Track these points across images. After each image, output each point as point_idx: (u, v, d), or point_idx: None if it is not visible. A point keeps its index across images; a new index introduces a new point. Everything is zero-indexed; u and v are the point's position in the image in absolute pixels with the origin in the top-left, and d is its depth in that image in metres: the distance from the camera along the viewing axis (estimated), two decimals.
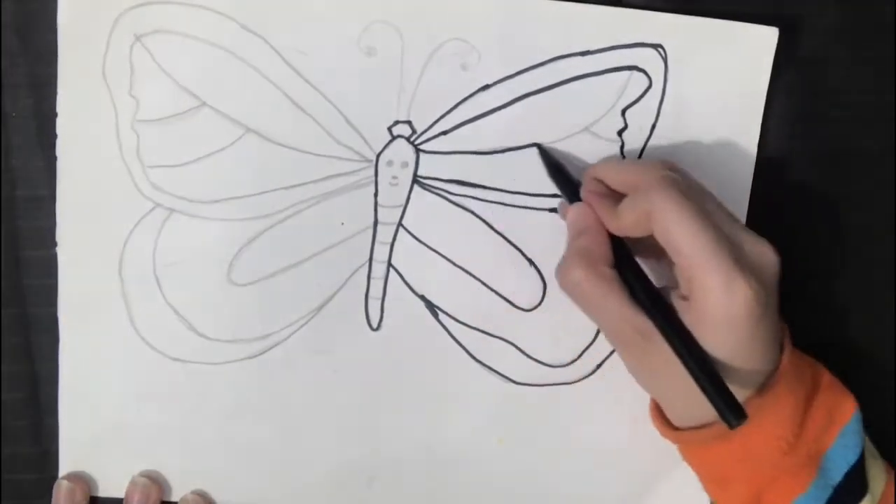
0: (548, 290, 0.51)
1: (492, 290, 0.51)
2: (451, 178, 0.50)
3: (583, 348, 0.52)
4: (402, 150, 0.50)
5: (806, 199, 0.54)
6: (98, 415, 0.50)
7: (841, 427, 0.46)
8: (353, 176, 0.50)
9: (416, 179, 0.50)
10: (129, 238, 0.49)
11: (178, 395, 0.50)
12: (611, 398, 0.52)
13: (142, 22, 0.47)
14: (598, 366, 0.52)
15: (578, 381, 0.52)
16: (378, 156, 0.50)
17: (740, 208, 0.52)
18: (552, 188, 0.50)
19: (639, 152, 0.51)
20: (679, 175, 0.45)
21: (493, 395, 0.52)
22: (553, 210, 0.51)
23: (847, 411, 0.47)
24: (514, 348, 0.52)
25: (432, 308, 0.51)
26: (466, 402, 0.51)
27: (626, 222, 0.44)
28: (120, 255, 0.49)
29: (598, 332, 0.52)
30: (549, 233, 0.51)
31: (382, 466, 0.52)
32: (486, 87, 0.49)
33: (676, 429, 0.47)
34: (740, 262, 0.42)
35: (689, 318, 0.43)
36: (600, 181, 0.47)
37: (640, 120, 0.50)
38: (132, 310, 0.49)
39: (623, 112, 0.50)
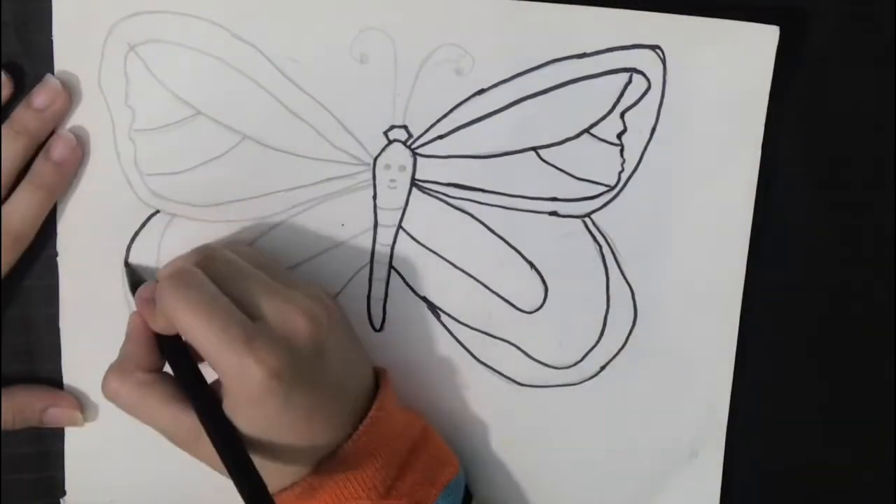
0: (549, 292, 0.51)
1: (493, 292, 0.51)
2: (449, 181, 0.50)
3: (586, 350, 0.52)
4: (399, 153, 0.49)
5: (806, 200, 0.53)
6: (102, 417, 0.50)
7: (442, 487, 0.46)
8: (352, 179, 0.50)
9: (414, 183, 0.50)
10: (131, 245, 0.49)
11: None
12: (615, 400, 0.52)
13: (135, 31, 0.47)
14: (602, 367, 0.52)
15: (582, 382, 0.52)
16: (375, 159, 0.49)
17: (744, 210, 0.51)
18: (551, 191, 0.50)
19: (639, 154, 0.50)
20: (210, 261, 0.44)
21: (497, 397, 0.52)
22: (553, 213, 0.51)
23: (449, 474, 0.47)
24: (517, 350, 0.52)
25: (434, 309, 0.51)
26: (470, 404, 0.52)
27: (160, 324, 0.44)
28: (122, 261, 0.49)
29: (601, 334, 0.52)
30: (549, 236, 0.51)
31: None
32: (482, 91, 0.49)
33: None
34: (256, 339, 0.41)
35: (227, 407, 0.42)
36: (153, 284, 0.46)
37: (639, 122, 0.50)
38: None
39: (622, 115, 0.50)
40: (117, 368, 0.45)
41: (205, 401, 0.43)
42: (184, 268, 0.44)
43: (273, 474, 0.43)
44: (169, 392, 0.44)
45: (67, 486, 0.51)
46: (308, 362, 0.43)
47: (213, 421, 0.42)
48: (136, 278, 0.49)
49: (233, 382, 0.42)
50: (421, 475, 0.46)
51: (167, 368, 0.46)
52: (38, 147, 0.47)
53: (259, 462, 0.42)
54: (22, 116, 0.46)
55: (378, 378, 0.48)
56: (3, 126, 0.46)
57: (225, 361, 0.41)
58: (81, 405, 0.50)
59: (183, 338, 0.44)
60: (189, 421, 0.43)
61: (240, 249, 0.47)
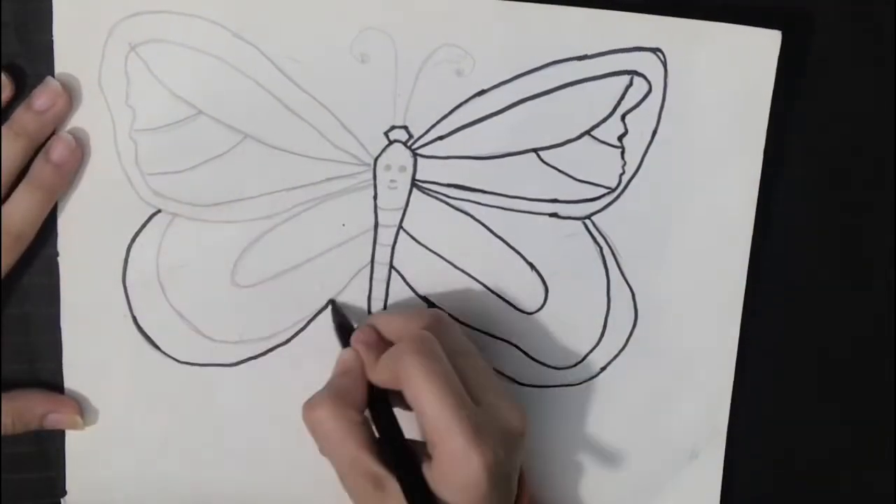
0: (550, 293, 0.51)
1: (493, 292, 0.51)
2: (449, 182, 0.50)
3: (587, 350, 0.52)
4: (400, 154, 0.49)
5: (807, 201, 0.53)
6: (102, 418, 0.50)
7: None
8: (352, 179, 0.50)
9: (414, 183, 0.50)
10: (132, 244, 0.49)
11: (184, 397, 0.50)
12: (615, 400, 0.52)
13: (136, 31, 0.47)
14: (603, 368, 0.52)
15: (582, 383, 0.52)
16: (375, 160, 0.49)
17: (745, 212, 0.51)
18: (552, 193, 0.50)
19: (640, 157, 0.50)
20: (441, 330, 0.45)
21: None
22: (553, 214, 0.51)
23: None
24: (517, 350, 0.52)
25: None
26: None
27: (382, 377, 0.45)
28: (123, 261, 0.49)
29: (602, 335, 0.52)
30: (549, 237, 0.51)
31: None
32: (482, 92, 0.49)
33: None
34: (482, 429, 0.42)
35: (431, 476, 0.43)
36: (375, 329, 0.47)
37: (640, 125, 0.50)
38: (137, 314, 0.50)
39: (623, 117, 0.50)
40: (335, 399, 0.45)
41: (412, 471, 0.43)
42: (427, 337, 0.44)
43: None
44: (367, 439, 0.44)
45: (68, 486, 0.51)
46: (512, 462, 0.44)
47: (413, 484, 0.43)
48: (342, 318, 0.49)
49: (448, 465, 0.42)
50: None
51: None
52: (39, 147, 0.47)
53: None
54: (22, 118, 0.46)
55: (520, 478, 0.47)
56: (3, 127, 0.46)
57: (449, 443, 0.41)
58: (81, 409, 0.50)
59: (410, 403, 0.43)
60: (377, 472, 0.43)
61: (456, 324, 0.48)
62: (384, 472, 0.43)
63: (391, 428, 0.45)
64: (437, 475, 0.42)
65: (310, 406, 0.45)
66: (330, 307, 0.50)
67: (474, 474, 0.41)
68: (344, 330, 0.49)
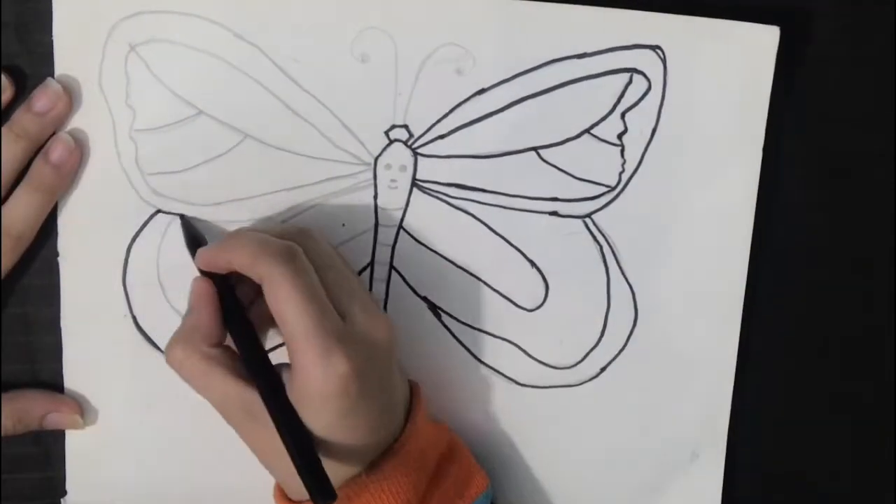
0: (550, 291, 0.51)
1: (494, 290, 0.51)
2: (449, 181, 0.50)
3: (587, 350, 0.52)
4: (400, 153, 0.50)
5: (806, 199, 0.53)
6: (102, 418, 0.50)
7: (471, 501, 0.47)
8: (352, 179, 0.50)
9: (415, 183, 0.50)
10: (132, 244, 0.49)
11: (184, 398, 0.50)
12: (615, 401, 0.52)
13: (136, 31, 0.47)
14: (603, 368, 0.52)
15: (582, 383, 0.52)
16: (376, 159, 0.49)
17: (745, 210, 0.51)
18: (552, 192, 0.50)
19: (640, 155, 0.50)
20: (307, 243, 0.44)
21: (497, 397, 0.52)
22: (553, 213, 0.51)
23: (477, 486, 0.47)
24: (517, 349, 0.52)
25: (435, 309, 0.51)
26: (470, 403, 0.52)
27: (235, 268, 0.44)
28: (123, 261, 0.49)
29: (602, 334, 0.52)
30: (550, 236, 0.51)
31: None
32: (482, 91, 0.49)
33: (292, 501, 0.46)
34: (344, 338, 0.42)
35: (293, 392, 0.42)
36: (219, 250, 0.45)
37: (640, 123, 0.50)
38: (137, 314, 0.50)
39: (623, 115, 0.50)
40: (185, 339, 0.44)
41: (272, 384, 0.42)
42: (295, 248, 0.43)
43: None
44: (231, 367, 0.44)
45: (68, 486, 0.51)
46: (379, 371, 0.44)
47: (279, 405, 0.42)
48: (194, 233, 0.48)
49: (311, 374, 0.41)
50: (450, 489, 0.46)
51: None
52: (39, 148, 0.47)
53: None
54: (22, 119, 0.46)
55: (412, 391, 0.48)
56: (3, 128, 0.46)
57: (311, 352, 0.41)
58: (81, 408, 0.50)
59: (272, 312, 0.43)
60: (248, 399, 0.43)
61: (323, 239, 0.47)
62: (254, 397, 0.43)
63: (253, 350, 0.44)
64: (298, 390, 0.42)
65: (166, 351, 0.45)
66: (181, 224, 0.49)
67: (335, 381, 0.41)
68: (196, 246, 0.47)
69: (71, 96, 0.47)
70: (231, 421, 0.44)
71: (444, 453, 0.48)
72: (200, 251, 0.46)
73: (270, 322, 0.45)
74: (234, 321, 0.45)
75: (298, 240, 0.44)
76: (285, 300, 0.41)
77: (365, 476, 0.44)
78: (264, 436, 0.43)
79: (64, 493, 0.51)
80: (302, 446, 0.41)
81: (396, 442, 0.45)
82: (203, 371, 0.44)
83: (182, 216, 0.49)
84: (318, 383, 0.41)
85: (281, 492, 0.46)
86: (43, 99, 0.46)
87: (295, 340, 0.42)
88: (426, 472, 0.46)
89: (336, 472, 0.43)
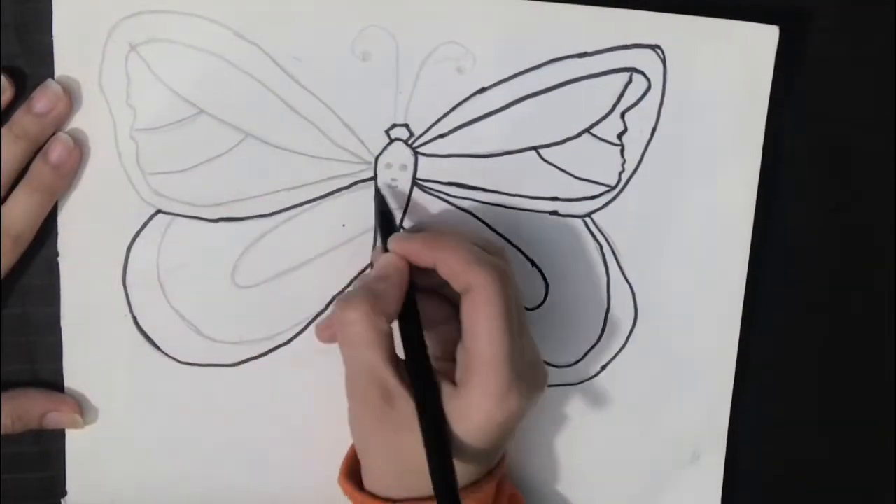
0: (550, 290, 0.51)
1: None
2: (450, 180, 0.50)
3: (587, 349, 0.52)
4: (401, 152, 0.50)
5: (806, 199, 0.53)
6: (102, 418, 0.50)
7: None
8: (353, 177, 0.50)
9: (415, 182, 0.50)
10: (132, 244, 0.49)
11: (185, 398, 0.50)
12: (615, 400, 0.52)
13: (136, 31, 0.47)
14: (603, 367, 0.52)
15: (582, 382, 0.52)
16: (377, 158, 0.49)
17: (745, 210, 0.52)
18: (552, 191, 0.50)
19: (640, 154, 0.51)
20: (507, 267, 0.44)
21: None
22: (553, 213, 0.51)
23: None
24: None
25: None
26: None
27: (437, 268, 0.43)
28: (123, 261, 0.49)
29: (602, 333, 0.52)
30: (550, 235, 0.51)
31: None
32: (483, 90, 0.49)
33: (372, 495, 0.45)
34: (523, 377, 0.42)
35: (453, 404, 0.42)
36: (421, 243, 0.45)
37: (640, 122, 0.50)
38: (137, 314, 0.50)
39: (623, 114, 0.50)
40: (367, 302, 0.42)
41: (430, 390, 0.42)
42: (502, 265, 0.43)
43: (403, 476, 0.43)
44: (389, 350, 0.43)
45: (68, 486, 0.50)
46: (522, 418, 0.43)
47: (434, 415, 0.41)
48: (385, 207, 0.48)
49: (483, 402, 0.41)
50: None
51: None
52: (39, 148, 0.47)
53: (399, 463, 0.42)
54: (22, 120, 0.46)
55: None
56: (3, 129, 0.46)
57: (494, 381, 0.41)
58: (81, 408, 0.49)
59: (463, 321, 0.42)
60: (391, 385, 0.42)
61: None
62: (399, 388, 0.42)
63: (419, 344, 0.43)
64: (462, 406, 0.41)
65: (343, 304, 0.43)
66: (374, 194, 0.48)
67: (504, 417, 0.41)
68: (386, 222, 0.47)
69: (71, 97, 0.47)
70: (362, 399, 0.43)
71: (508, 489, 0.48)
72: (402, 238, 0.45)
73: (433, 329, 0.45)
74: (410, 313, 0.44)
75: (502, 259, 0.44)
76: (488, 318, 0.41)
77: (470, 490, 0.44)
78: (388, 426, 0.42)
79: (64, 493, 0.50)
80: (445, 468, 0.40)
81: (498, 471, 0.45)
82: (368, 342, 0.42)
83: (377, 189, 0.48)
84: (487, 414, 0.41)
85: (353, 480, 0.46)
86: (43, 100, 0.46)
87: (480, 363, 0.41)
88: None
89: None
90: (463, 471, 0.42)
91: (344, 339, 0.43)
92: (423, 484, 0.41)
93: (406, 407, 0.42)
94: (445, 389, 0.42)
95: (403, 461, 0.41)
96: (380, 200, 0.49)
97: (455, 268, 0.42)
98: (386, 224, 0.48)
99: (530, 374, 0.43)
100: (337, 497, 0.52)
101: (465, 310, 0.42)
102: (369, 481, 0.46)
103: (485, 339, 0.41)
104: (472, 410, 0.41)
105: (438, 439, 0.41)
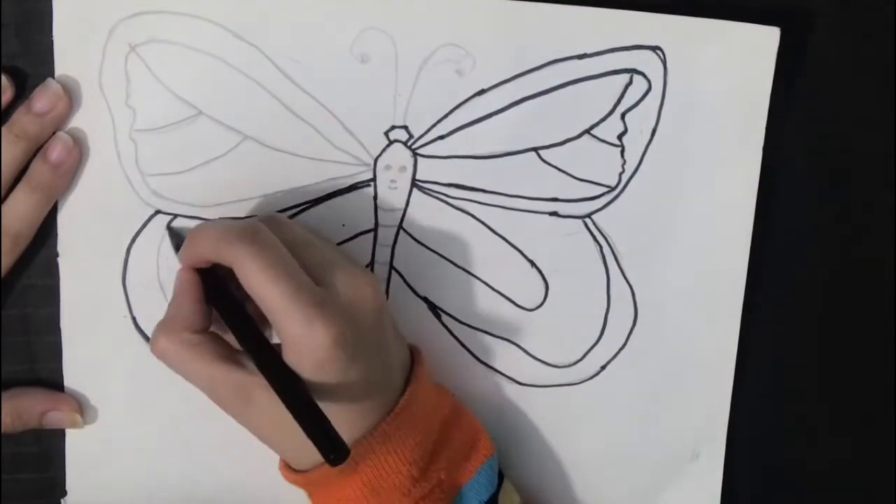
0: (550, 290, 0.51)
1: (494, 290, 0.51)
2: (449, 182, 0.50)
3: (587, 349, 0.52)
4: (400, 154, 0.49)
5: (807, 199, 0.53)
6: (102, 418, 0.50)
7: (479, 466, 0.47)
8: (352, 179, 0.50)
9: (414, 183, 0.50)
10: (132, 245, 0.49)
11: (184, 397, 0.50)
12: (615, 400, 0.53)
13: (136, 31, 0.47)
14: (603, 367, 0.52)
15: (582, 382, 0.52)
16: (376, 160, 0.49)
17: (745, 210, 0.52)
18: (552, 192, 0.50)
19: (640, 155, 0.51)
20: (274, 225, 0.44)
21: (498, 396, 0.52)
22: (553, 213, 0.51)
23: (485, 453, 0.47)
24: (518, 349, 0.52)
25: (435, 310, 0.51)
26: (470, 403, 0.52)
27: (201, 258, 0.44)
28: (123, 261, 0.49)
29: (602, 333, 0.52)
30: (550, 236, 0.51)
31: None
32: (482, 91, 0.49)
33: (296, 472, 0.46)
34: (324, 304, 0.42)
35: (287, 359, 0.42)
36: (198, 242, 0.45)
37: (640, 123, 0.50)
38: (137, 314, 0.50)
39: (623, 115, 0.50)
40: (166, 327, 0.44)
41: (268, 355, 0.42)
42: (257, 226, 0.43)
43: (309, 445, 0.42)
44: (218, 351, 0.44)
45: (68, 487, 0.51)
46: (369, 333, 0.44)
47: (279, 371, 0.42)
48: (179, 239, 0.48)
49: (297, 345, 0.42)
50: (457, 451, 0.46)
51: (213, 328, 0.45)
52: (39, 148, 0.47)
53: (300, 436, 0.41)
54: (22, 120, 0.46)
55: (413, 355, 0.48)
56: (3, 129, 0.46)
57: (293, 324, 0.41)
58: (81, 407, 0.50)
59: (250, 294, 0.42)
60: (239, 379, 0.43)
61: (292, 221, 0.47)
62: (246, 378, 0.43)
63: (239, 321, 0.44)
64: (290, 360, 0.42)
65: (150, 344, 0.45)
66: (168, 232, 0.49)
67: (322, 350, 0.41)
68: (174, 237, 0.48)
69: (71, 97, 0.47)
70: (223, 404, 0.45)
71: (448, 416, 0.48)
72: (180, 251, 0.46)
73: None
74: (221, 301, 0.44)
75: (264, 223, 0.44)
76: (255, 277, 0.41)
77: (370, 438, 0.44)
78: (259, 413, 0.43)
79: (64, 493, 0.51)
80: (308, 409, 0.41)
81: (398, 405, 0.45)
82: (188, 357, 0.44)
83: (169, 226, 0.49)
84: (306, 352, 0.41)
85: (286, 466, 0.46)
86: (43, 99, 0.46)
87: (276, 315, 0.42)
88: (431, 433, 0.46)
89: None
90: (353, 416, 0.43)
91: (173, 369, 0.45)
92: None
93: (263, 392, 0.42)
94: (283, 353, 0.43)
95: (292, 435, 0.41)
96: (173, 236, 0.49)
97: (211, 251, 0.43)
98: (175, 240, 0.48)
99: (342, 298, 0.43)
100: None
101: (241, 282, 0.43)
102: (291, 463, 0.46)
103: (263, 295, 0.41)
104: (297, 358, 0.42)
105: (291, 390, 0.41)
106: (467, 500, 0.46)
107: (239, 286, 0.43)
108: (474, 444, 0.48)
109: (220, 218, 0.48)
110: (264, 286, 0.41)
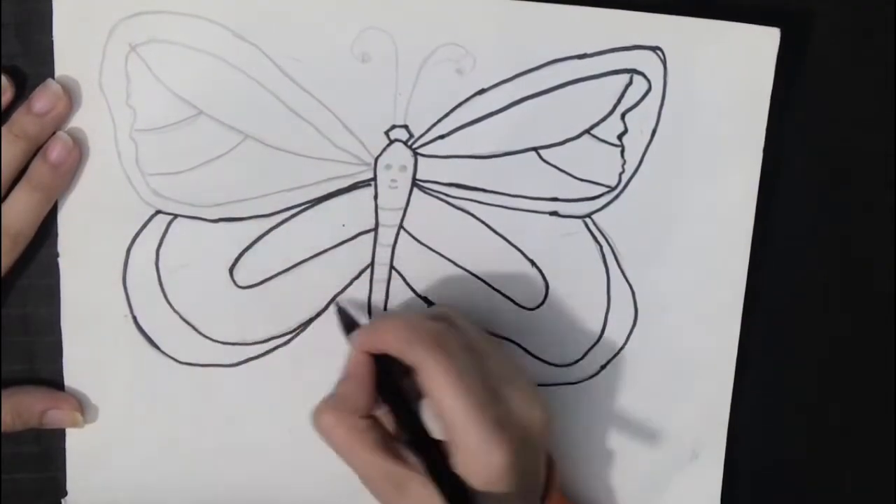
0: (550, 289, 0.51)
1: (494, 289, 0.51)
2: (450, 181, 0.50)
3: (587, 348, 0.52)
4: (400, 153, 0.50)
5: (807, 200, 0.53)
6: (102, 418, 0.50)
7: None
8: (353, 178, 0.50)
9: (415, 183, 0.50)
10: (132, 245, 0.49)
11: (184, 397, 0.50)
12: (615, 399, 0.53)
13: (136, 31, 0.47)
14: (603, 366, 0.53)
15: (582, 381, 0.52)
16: (376, 159, 0.49)
17: (745, 211, 0.52)
18: (552, 192, 0.50)
19: (640, 155, 0.51)
20: (457, 327, 0.45)
21: None
22: (553, 213, 0.51)
23: None
24: (518, 347, 0.52)
25: None
26: None
27: (387, 352, 0.44)
28: (123, 261, 0.49)
29: (602, 333, 0.52)
30: (550, 235, 0.51)
31: None
32: (482, 91, 0.49)
33: None
34: (501, 423, 0.42)
35: (455, 462, 0.43)
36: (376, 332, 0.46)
37: (640, 123, 0.50)
38: (137, 314, 0.50)
39: (623, 116, 0.50)
40: (335, 406, 0.45)
41: (434, 453, 0.43)
42: (441, 329, 0.44)
43: None
44: (379, 439, 0.45)
45: (69, 487, 0.51)
46: (535, 451, 0.44)
47: (445, 472, 0.42)
48: (348, 318, 0.49)
49: (471, 459, 0.42)
50: None
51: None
52: (38, 148, 0.47)
53: None
54: (22, 120, 0.46)
55: (549, 467, 0.47)
56: (3, 129, 0.46)
57: (471, 440, 0.42)
58: (82, 406, 0.49)
59: (429, 397, 0.43)
60: (393, 472, 0.44)
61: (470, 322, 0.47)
62: (402, 471, 0.43)
63: (409, 415, 0.44)
64: (460, 470, 0.42)
65: (315, 415, 0.46)
66: (336, 310, 0.50)
67: (495, 469, 0.42)
68: (345, 319, 0.49)
69: (71, 97, 0.47)
70: (375, 490, 0.45)
71: None
72: (357, 334, 0.46)
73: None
74: (392, 394, 0.45)
75: (448, 322, 0.45)
76: (440, 387, 0.42)
77: None
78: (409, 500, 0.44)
79: (64, 493, 0.51)
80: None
81: None
82: (351, 441, 0.45)
83: (337, 304, 0.50)
84: (480, 468, 0.42)
85: None
86: (43, 100, 0.46)
87: (454, 425, 0.42)
88: None
89: None
90: None
91: (330, 445, 0.45)
92: None
93: (419, 487, 0.43)
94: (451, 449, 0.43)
95: None
96: (342, 314, 0.49)
97: (397, 349, 0.44)
98: (346, 323, 0.49)
99: (515, 417, 0.43)
100: (337, 497, 0.52)
101: (423, 386, 0.43)
102: None
103: (444, 406, 0.42)
104: (468, 472, 0.42)
105: (457, 496, 0.42)
106: None
107: (405, 376, 0.44)
108: None
109: (404, 313, 0.49)
110: (448, 397, 0.42)
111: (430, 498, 0.42)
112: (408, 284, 0.51)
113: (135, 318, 0.50)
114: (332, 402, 0.46)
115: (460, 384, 0.42)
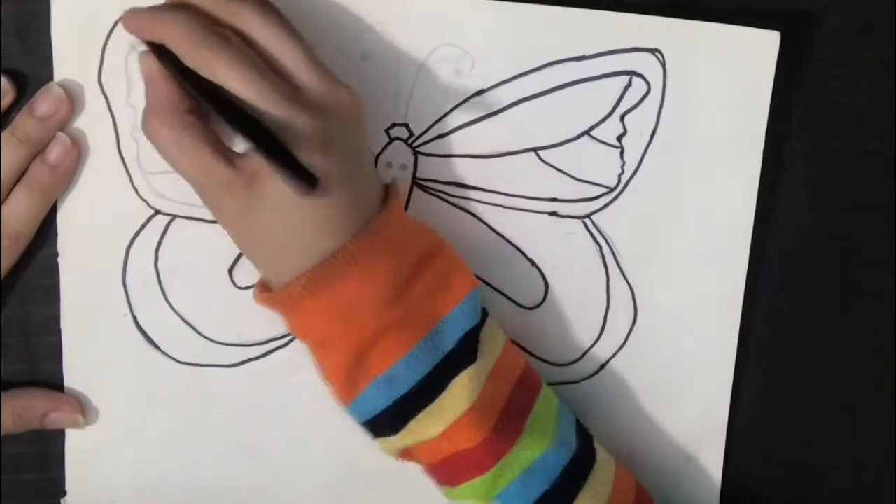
0: (549, 289, 0.51)
1: (494, 288, 0.51)
2: (450, 180, 0.50)
3: (586, 347, 0.52)
4: (401, 152, 0.50)
5: (806, 201, 0.53)
6: (102, 418, 0.50)
7: (461, 297, 0.45)
8: None
9: (415, 181, 0.50)
10: (132, 245, 0.49)
11: (185, 398, 0.50)
12: (614, 399, 0.53)
13: None
14: (602, 366, 0.53)
15: (582, 381, 0.53)
16: (377, 157, 0.49)
17: (745, 212, 0.52)
18: (551, 192, 0.51)
19: (639, 157, 0.51)
20: (249, 17, 0.43)
21: None
22: (553, 213, 0.51)
23: (467, 285, 0.46)
24: (518, 348, 0.52)
25: None
26: None
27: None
28: (123, 261, 0.49)
29: (601, 333, 0.52)
30: (549, 235, 0.51)
31: (386, 469, 0.52)
32: (481, 91, 0.49)
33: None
34: (301, 99, 0.42)
35: None
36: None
37: (639, 125, 0.50)
38: (137, 314, 0.50)
39: (622, 117, 0.50)
40: (157, 108, 0.43)
41: (272, 137, 0.41)
42: (219, 30, 0.42)
43: (284, 259, 0.43)
44: (208, 138, 0.43)
45: (68, 487, 0.51)
46: (345, 135, 0.43)
47: (244, 119, 0.41)
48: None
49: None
50: (436, 281, 0.45)
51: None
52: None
53: (275, 247, 0.41)
54: (24, 124, 0.46)
55: (388, 189, 0.46)
56: (4, 133, 0.46)
57: (270, 117, 0.41)
58: (82, 407, 0.49)
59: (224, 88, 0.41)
60: (222, 168, 0.42)
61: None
62: (238, 175, 0.42)
63: (228, 105, 0.41)
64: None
65: (144, 122, 0.43)
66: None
67: (300, 140, 0.41)
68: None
69: (73, 100, 0.47)
70: (208, 197, 0.44)
71: (429, 248, 0.46)
72: (129, 13, 0.44)
73: None
74: (193, 77, 0.42)
75: (239, 18, 0.43)
76: (233, 76, 0.41)
77: (337, 256, 0.43)
78: (243, 212, 0.43)
79: (64, 493, 0.51)
80: (279, 145, 0.40)
81: (369, 226, 0.43)
82: (180, 137, 0.43)
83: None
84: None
85: (262, 287, 0.46)
86: (45, 104, 0.46)
87: (253, 111, 0.41)
88: (406, 260, 0.44)
89: (295, 257, 0.43)
90: (326, 227, 0.43)
91: (163, 151, 0.43)
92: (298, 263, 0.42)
93: (266, 181, 0.42)
94: None
95: (279, 240, 0.42)
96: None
97: (181, 51, 0.42)
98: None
99: (313, 96, 0.43)
100: (337, 497, 0.52)
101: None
102: (268, 277, 0.45)
103: (239, 92, 0.41)
104: None
105: (261, 135, 0.40)
106: (447, 331, 0.45)
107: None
108: (456, 276, 0.46)
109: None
110: (239, 80, 0.41)
111: (278, 191, 0.41)
112: None
113: (135, 318, 0.50)
114: (150, 107, 0.43)
115: (248, 69, 0.41)
